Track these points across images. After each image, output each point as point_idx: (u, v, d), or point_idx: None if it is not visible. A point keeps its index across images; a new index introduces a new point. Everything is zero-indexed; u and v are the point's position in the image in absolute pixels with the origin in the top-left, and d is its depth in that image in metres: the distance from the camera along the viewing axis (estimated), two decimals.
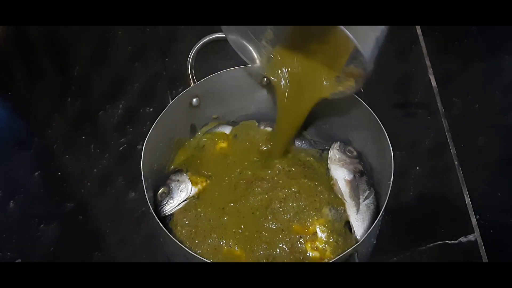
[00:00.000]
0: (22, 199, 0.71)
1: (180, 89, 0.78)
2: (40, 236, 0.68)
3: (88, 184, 0.73)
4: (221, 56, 0.82)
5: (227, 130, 0.69)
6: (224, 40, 0.65)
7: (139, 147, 0.73)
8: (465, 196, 0.69)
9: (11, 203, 0.70)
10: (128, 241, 0.68)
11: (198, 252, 0.55)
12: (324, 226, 0.57)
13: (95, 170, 0.74)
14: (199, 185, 0.61)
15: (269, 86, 0.67)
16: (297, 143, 0.69)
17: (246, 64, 0.61)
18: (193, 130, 0.69)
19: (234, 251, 0.56)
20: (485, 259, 0.65)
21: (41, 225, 0.68)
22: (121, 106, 0.81)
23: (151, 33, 0.92)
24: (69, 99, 0.82)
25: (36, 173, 0.74)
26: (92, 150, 0.76)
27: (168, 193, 0.60)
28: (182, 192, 0.60)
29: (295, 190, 0.60)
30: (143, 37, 0.92)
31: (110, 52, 0.90)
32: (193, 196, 0.61)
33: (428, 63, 0.85)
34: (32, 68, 0.89)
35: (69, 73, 0.86)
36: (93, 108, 0.81)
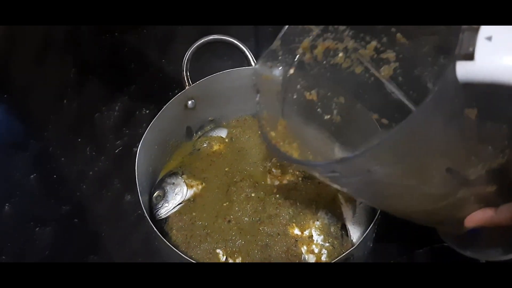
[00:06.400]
0: (17, 202, 0.71)
1: (177, 91, 0.78)
2: (35, 240, 0.67)
3: (84, 187, 0.72)
4: (218, 57, 0.82)
5: (223, 133, 0.68)
6: (219, 42, 0.65)
7: (135, 149, 0.72)
8: None
9: (6, 206, 0.70)
10: (124, 244, 0.67)
11: (193, 256, 0.55)
12: (320, 230, 0.57)
13: (91, 173, 0.73)
14: (194, 188, 0.61)
15: None
16: None
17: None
18: (189, 132, 0.69)
19: (230, 255, 0.55)
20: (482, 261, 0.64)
21: (37, 228, 0.68)
22: (117, 108, 0.81)
23: (148, 35, 0.92)
24: (65, 101, 0.82)
25: (32, 176, 0.74)
26: (88, 153, 0.76)
27: (163, 197, 0.59)
28: (177, 195, 0.60)
29: (291, 193, 0.59)
30: (140, 39, 0.92)
31: (106, 53, 0.90)
32: (188, 200, 0.60)
33: None
34: (28, 70, 0.89)
35: (66, 75, 0.86)
36: (90, 110, 0.81)
